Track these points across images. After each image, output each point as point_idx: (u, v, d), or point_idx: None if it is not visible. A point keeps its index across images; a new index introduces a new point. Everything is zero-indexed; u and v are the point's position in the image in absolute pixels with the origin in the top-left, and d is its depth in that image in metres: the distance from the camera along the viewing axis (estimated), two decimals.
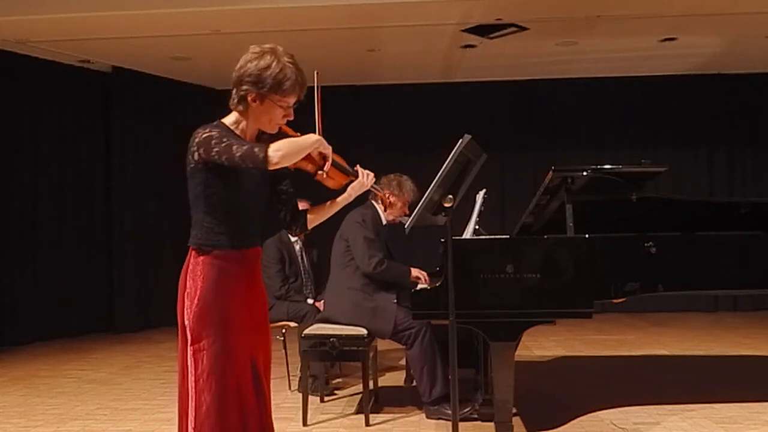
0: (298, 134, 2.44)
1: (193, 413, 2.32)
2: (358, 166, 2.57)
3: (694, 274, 3.89)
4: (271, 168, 2.25)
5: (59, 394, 5.25)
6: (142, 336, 8.04)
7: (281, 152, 2.23)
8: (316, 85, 2.51)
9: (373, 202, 4.69)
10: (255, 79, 2.33)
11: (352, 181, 2.54)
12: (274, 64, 2.34)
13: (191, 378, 2.34)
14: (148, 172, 8.64)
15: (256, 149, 2.22)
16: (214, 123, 2.39)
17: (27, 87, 7.78)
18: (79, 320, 8.12)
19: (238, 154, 2.22)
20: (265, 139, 2.44)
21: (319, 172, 2.41)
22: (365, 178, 2.54)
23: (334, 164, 2.45)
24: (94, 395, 5.20)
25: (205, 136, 2.29)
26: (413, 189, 4.68)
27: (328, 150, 2.37)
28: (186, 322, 2.37)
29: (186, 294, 2.37)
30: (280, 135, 2.44)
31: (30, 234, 7.76)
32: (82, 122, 8.36)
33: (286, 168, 2.45)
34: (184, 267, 2.41)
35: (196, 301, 2.35)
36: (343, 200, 2.59)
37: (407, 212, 4.72)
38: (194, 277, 2.37)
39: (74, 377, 5.86)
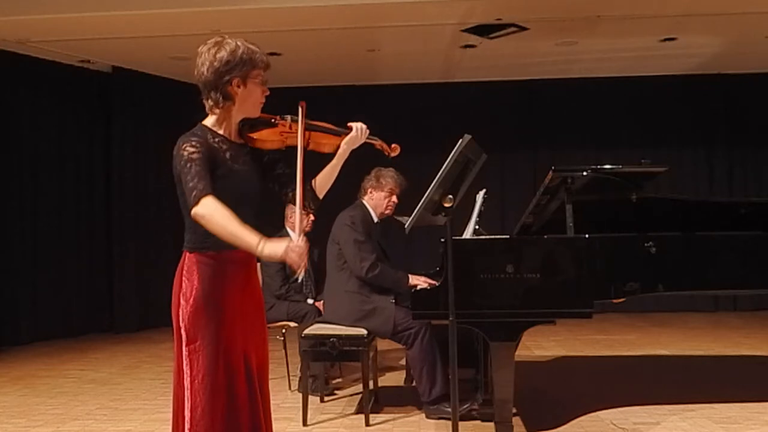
0: (276, 118, 2.48)
1: (189, 414, 2.33)
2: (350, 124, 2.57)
3: (694, 274, 3.88)
4: (191, 213, 2.25)
5: (59, 394, 5.25)
6: (142, 336, 8.04)
7: (205, 212, 2.22)
8: (300, 116, 2.47)
9: (363, 201, 4.67)
10: (233, 65, 2.35)
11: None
12: (237, 43, 2.38)
13: (187, 378, 2.35)
14: (148, 172, 8.62)
15: (195, 191, 2.24)
16: (196, 128, 2.40)
17: (27, 87, 7.78)
18: (79, 320, 8.12)
19: (189, 187, 2.27)
20: (245, 129, 2.47)
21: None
22: (359, 132, 2.54)
23: (320, 129, 2.50)
24: (94, 395, 5.20)
25: (183, 157, 2.32)
26: (393, 177, 4.64)
27: (293, 255, 2.22)
28: (181, 323, 2.37)
29: (181, 294, 2.38)
30: (259, 121, 2.47)
31: (30, 234, 7.76)
32: (82, 122, 8.35)
33: (273, 153, 2.50)
34: (179, 268, 2.42)
35: (191, 302, 2.36)
36: (339, 158, 2.55)
37: (396, 201, 4.70)
38: (189, 277, 2.38)
39: (74, 377, 5.85)
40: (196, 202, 2.23)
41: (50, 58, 7.83)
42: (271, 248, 2.18)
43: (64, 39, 7.21)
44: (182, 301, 2.37)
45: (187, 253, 2.41)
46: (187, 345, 2.36)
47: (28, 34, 7.09)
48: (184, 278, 2.39)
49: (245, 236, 2.21)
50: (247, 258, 2.46)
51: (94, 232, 8.43)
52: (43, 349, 7.25)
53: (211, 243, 2.36)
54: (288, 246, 2.18)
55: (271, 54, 6.82)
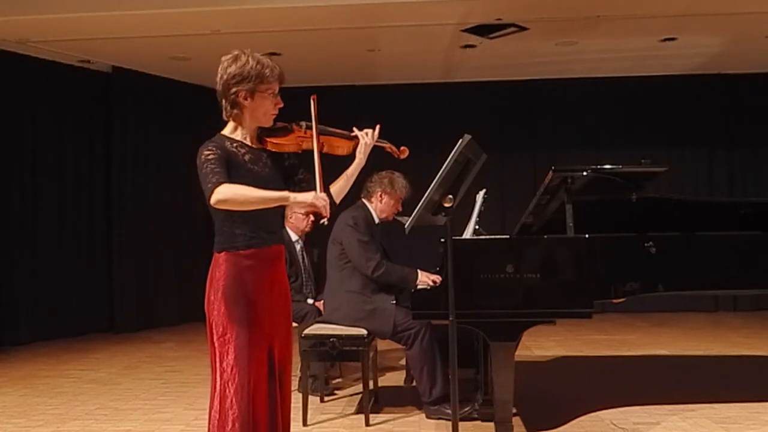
0: (292, 124, 2.65)
1: (218, 404, 2.49)
2: (354, 129, 2.73)
3: (694, 274, 3.88)
4: (211, 204, 2.41)
5: (59, 394, 5.25)
6: (142, 336, 8.04)
7: (224, 196, 2.38)
8: (313, 108, 2.64)
9: (365, 201, 4.67)
10: (240, 78, 2.54)
11: (358, 144, 2.69)
12: (250, 59, 2.56)
13: (218, 369, 2.52)
14: (148, 172, 8.62)
15: (209, 184, 2.41)
16: (214, 137, 2.59)
17: (27, 87, 7.78)
18: (79, 320, 8.11)
19: (204, 182, 2.43)
20: (264, 134, 2.63)
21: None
22: (367, 138, 2.70)
23: (332, 133, 2.67)
24: (94, 395, 5.20)
25: (200, 160, 2.49)
26: (406, 186, 4.66)
27: (307, 200, 2.47)
28: (211, 318, 2.56)
29: (212, 291, 2.56)
30: (276, 127, 2.65)
31: (30, 234, 7.75)
32: (82, 122, 8.35)
33: (292, 159, 2.69)
34: (210, 267, 2.59)
35: (219, 298, 2.54)
36: (356, 167, 2.73)
37: (400, 209, 4.70)
38: (219, 275, 2.55)
39: (74, 377, 5.85)
40: (211, 193, 2.39)
41: (50, 58, 7.83)
42: (302, 196, 2.47)
43: (64, 39, 7.21)
44: (212, 297, 2.56)
45: (216, 254, 2.58)
46: (218, 338, 2.53)
47: (28, 34, 7.09)
48: (214, 277, 2.56)
49: (272, 194, 2.45)
50: (274, 256, 2.64)
51: (94, 231, 8.42)
52: (43, 349, 7.25)
53: (238, 243, 2.54)
54: (315, 194, 2.46)
55: (271, 54, 6.80)
